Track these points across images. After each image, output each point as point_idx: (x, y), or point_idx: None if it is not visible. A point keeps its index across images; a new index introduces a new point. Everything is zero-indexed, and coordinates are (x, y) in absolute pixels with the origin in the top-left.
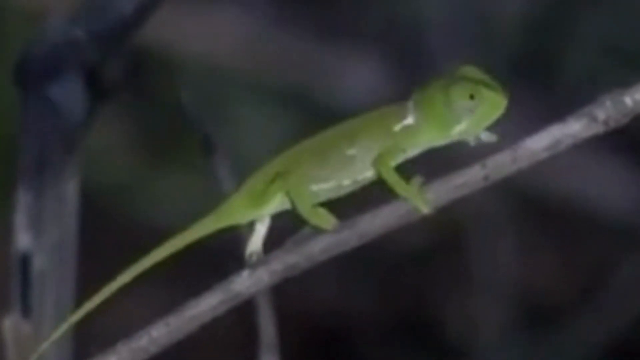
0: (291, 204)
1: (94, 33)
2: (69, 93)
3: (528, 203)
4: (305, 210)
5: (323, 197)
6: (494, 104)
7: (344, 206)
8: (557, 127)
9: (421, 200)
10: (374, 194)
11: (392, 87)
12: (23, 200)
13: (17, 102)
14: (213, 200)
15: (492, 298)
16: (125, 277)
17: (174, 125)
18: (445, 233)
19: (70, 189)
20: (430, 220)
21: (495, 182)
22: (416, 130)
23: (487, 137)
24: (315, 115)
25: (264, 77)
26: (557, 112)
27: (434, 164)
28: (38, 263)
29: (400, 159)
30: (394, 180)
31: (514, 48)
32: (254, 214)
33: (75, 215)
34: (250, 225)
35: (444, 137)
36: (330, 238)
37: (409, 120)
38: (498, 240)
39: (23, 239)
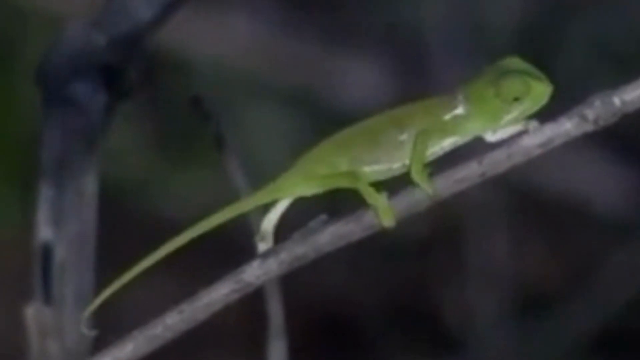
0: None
1: (112, 37)
2: (88, 93)
3: (522, 197)
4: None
5: (373, 179)
6: (540, 93)
7: (350, 199)
8: (550, 126)
9: (429, 186)
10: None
11: (395, 88)
12: (45, 194)
13: (40, 102)
14: (225, 194)
15: (487, 288)
16: (161, 252)
17: (187, 124)
18: (444, 225)
19: (89, 184)
20: (430, 213)
21: (492, 178)
22: (465, 121)
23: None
24: (320, 116)
25: (272, 79)
26: (550, 112)
27: (434, 160)
28: (59, 254)
29: (448, 147)
30: (419, 154)
31: (509, 52)
32: (306, 192)
33: (95, 209)
34: (261, 213)
35: (492, 127)
36: (337, 230)
37: (459, 110)
38: (493, 232)
39: (45, 232)
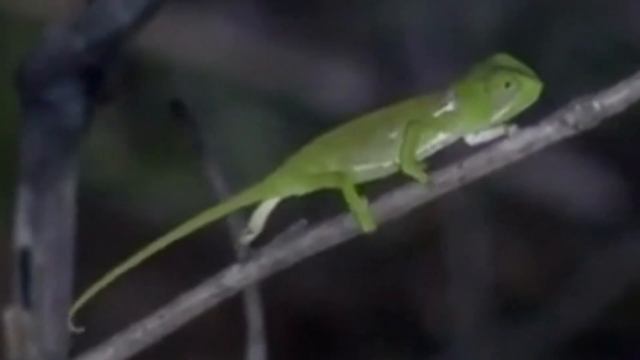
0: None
1: (92, 40)
2: (67, 97)
3: (502, 200)
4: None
5: (364, 178)
6: (531, 90)
7: (330, 204)
8: (530, 130)
9: (423, 177)
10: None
11: (376, 91)
12: (23, 198)
13: (19, 105)
14: (206, 197)
15: (467, 291)
16: (146, 252)
17: (167, 127)
18: (424, 229)
19: (68, 188)
20: (411, 217)
21: (471, 182)
22: (456, 117)
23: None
24: (301, 119)
25: (253, 82)
26: (530, 116)
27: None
28: (37, 258)
29: (439, 145)
30: (409, 145)
31: (489, 54)
32: (296, 191)
33: (73, 213)
34: (241, 217)
35: (483, 124)
36: (318, 234)
37: (449, 107)
38: (473, 236)
39: (23, 236)
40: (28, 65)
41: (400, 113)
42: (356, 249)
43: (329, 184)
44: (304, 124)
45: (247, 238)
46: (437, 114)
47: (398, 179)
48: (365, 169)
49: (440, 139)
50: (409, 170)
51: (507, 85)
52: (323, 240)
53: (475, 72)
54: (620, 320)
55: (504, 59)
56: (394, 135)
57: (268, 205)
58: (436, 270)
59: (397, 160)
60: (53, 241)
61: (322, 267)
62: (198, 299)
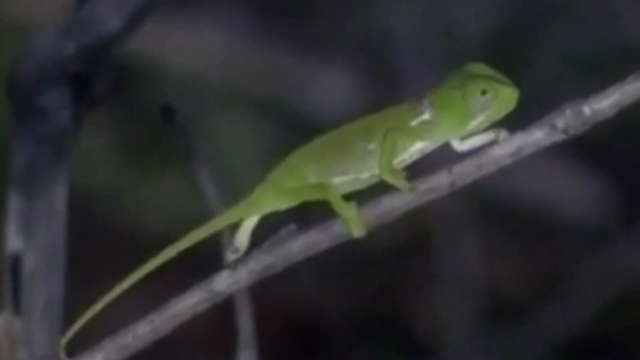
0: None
1: (82, 45)
2: (58, 102)
3: (493, 205)
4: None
5: (343, 190)
6: (507, 98)
7: (320, 208)
8: (520, 135)
9: (404, 185)
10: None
11: (367, 97)
12: (14, 204)
13: (9, 110)
14: (198, 202)
15: (458, 296)
16: (139, 273)
17: (159, 132)
18: (415, 234)
19: (60, 194)
20: (401, 222)
21: (461, 188)
22: (432, 125)
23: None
24: (292, 125)
25: (244, 88)
26: (520, 121)
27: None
28: (28, 264)
29: (417, 155)
30: (387, 152)
31: (479, 60)
32: (279, 206)
33: (65, 219)
34: (231, 226)
35: (459, 132)
36: (307, 239)
37: (426, 116)
38: (464, 241)
39: (14, 241)
40: (18, 70)
41: (377, 123)
42: (346, 254)
43: (312, 196)
44: (295, 128)
45: (233, 256)
46: (413, 123)
47: (386, 185)
48: (345, 180)
49: (417, 147)
50: (388, 178)
51: (484, 93)
52: (312, 245)
53: (450, 80)
54: (612, 324)
55: (478, 67)
56: (372, 146)
57: (250, 223)
58: (427, 275)
59: (376, 172)
60: (44, 247)
61: (312, 272)
62: (188, 303)
